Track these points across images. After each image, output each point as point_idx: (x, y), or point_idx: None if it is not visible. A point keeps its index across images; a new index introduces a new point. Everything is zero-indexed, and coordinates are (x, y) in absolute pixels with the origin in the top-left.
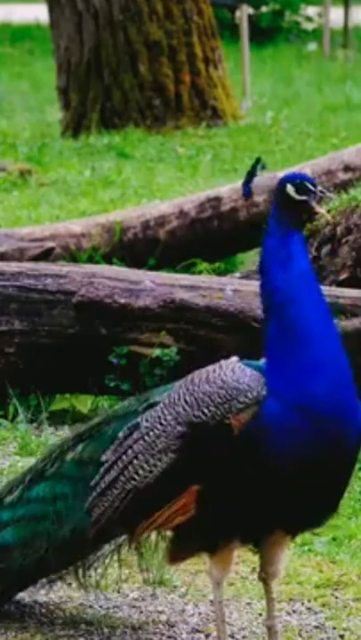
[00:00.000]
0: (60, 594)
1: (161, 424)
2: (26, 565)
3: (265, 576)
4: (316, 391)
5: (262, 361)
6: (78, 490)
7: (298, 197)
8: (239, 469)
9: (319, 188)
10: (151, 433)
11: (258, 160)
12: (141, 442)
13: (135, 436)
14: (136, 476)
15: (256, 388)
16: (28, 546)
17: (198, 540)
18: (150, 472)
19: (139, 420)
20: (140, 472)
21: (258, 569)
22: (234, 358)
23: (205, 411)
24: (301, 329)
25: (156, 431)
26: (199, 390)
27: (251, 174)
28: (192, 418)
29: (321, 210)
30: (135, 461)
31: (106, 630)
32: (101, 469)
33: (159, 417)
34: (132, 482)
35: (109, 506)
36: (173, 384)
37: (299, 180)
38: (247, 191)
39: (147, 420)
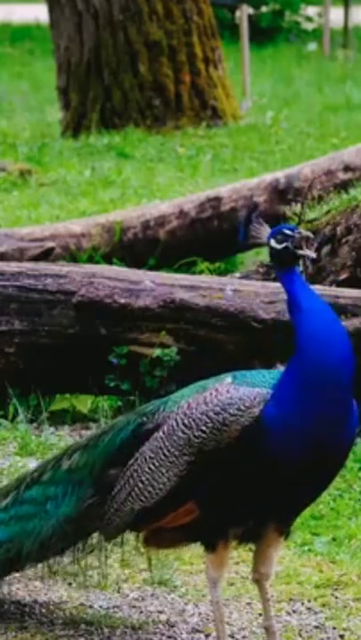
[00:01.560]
0: (59, 594)
1: (164, 454)
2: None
3: (258, 577)
4: (317, 411)
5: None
6: (68, 490)
7: (279, 247)
8: (241, 475)
9: (297, 230)
10: (156, 462)
11: (253, 208)
12: (146, 469)
13: (140, 462)
14: (143, 498)
15: (249, 400)
16: (16, 541)
17: (199, 536)
18: (156, 494)
19: (130, 429)
20: (147, 494)
21: (251, 571)
22: (228, 380)
23: (204, 428)
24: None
25: (159, 461)
26: (196, 412)
27: (247, 222)
28: (192, 439)
29: (302, 252)
30: (140, 485)
31: (106, 630)
32: (112, 493)
33: (160, 448)
34: (140, 502)
35: (119, 522)
36: (169, 397)
37: (278, 232)
38: (243, 235)
39: (150, 450)
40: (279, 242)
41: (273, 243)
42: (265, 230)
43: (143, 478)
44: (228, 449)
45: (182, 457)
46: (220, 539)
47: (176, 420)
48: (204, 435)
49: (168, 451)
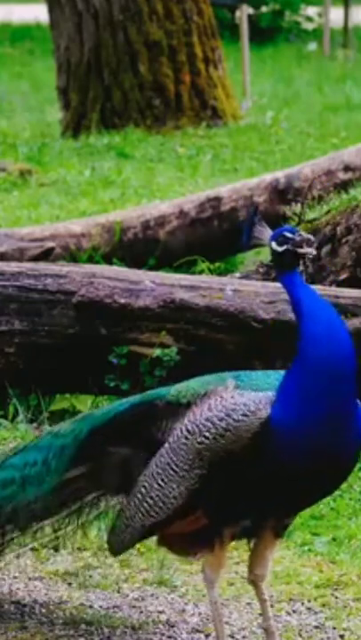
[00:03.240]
0: (59, 594)
1: (173, 470)
2: None
3: (254, 578)
4: (318, 415)
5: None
6: (48, 456)
7: (280, 249)
8: (249, 480)
9: (298, 233)
10: (165, 477)
11: (255, 210)
12: (155, 485)
13: (147, 478)
14: (154, 514)
15: (254, 405)
16: None
17: (201, 538)
18: (168, 509)
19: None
20: (157, 509)
21: (247, 572)
22: (231, 384)
23: (207, 434)
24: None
25: (169, 476)
26: (201, 418)
27: (250, 224)
28: (196, 445)
29: (303, 250)
30: (150, 501)
31: (106, 630)
32: (121, 507)
33: (168, 463)
34: (151, 518)
35: (129, 538)
36: (172, 385)
37: (279, 234)
38: (246, 240)
39: (157, 465)
40: (280, 244)
41: (274, 245)
42: (267, 232)
43: (153, 494)
44: (239, 455)
45: (193, 471)
46: (216, 538)
47: (181, 428)
48: (206, 441)
49: (177, 466)
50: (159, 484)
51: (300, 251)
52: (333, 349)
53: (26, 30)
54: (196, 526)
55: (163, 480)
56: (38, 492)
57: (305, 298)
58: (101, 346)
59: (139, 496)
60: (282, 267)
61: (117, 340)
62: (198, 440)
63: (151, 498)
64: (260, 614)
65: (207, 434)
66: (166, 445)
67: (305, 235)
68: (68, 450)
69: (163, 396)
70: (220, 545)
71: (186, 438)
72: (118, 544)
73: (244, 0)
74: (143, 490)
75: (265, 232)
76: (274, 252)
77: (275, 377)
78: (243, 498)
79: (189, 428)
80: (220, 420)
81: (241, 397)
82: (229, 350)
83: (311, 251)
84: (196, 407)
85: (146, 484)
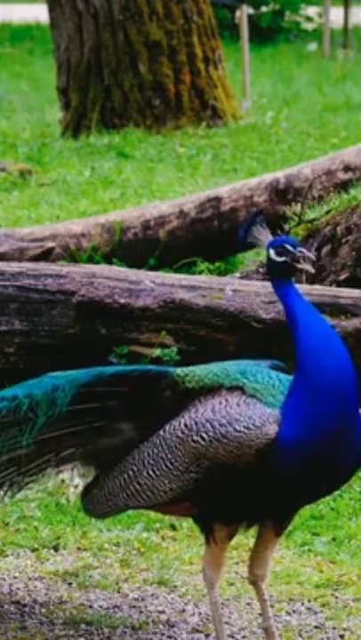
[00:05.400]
0: (59, 594)
1: (167, 466)
2: None
3: (254, 578)
4: (324, 424)
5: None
6: (33, 391)
7: (278, 259)
8: (247, 489)
9: (299, 248)
10: (157, 470)
11: (259, 212)
12: (145, 474)
13: (137, 462)
14: (140, 499)
15: (259, 420)
16: None
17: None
18: (156, 500)
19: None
20: (145, 497)
21: (247, 572)
22: (237, 390)
23: (204, 435)
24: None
25: (161, 470)
26: (202, 417)
27: (249, 224)
28: (191, 443)
29: (301, 266)
30: (138, 487)
31: (106, 630)
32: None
33: (163, 458)
34: (136, 502)
35: (111, 510)
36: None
37: (279, 244)
38: (242, 238)
39: (148, 454)
40: (279, 254)
41: (272, 254)
42: (266, 235)
43: (141, 481)
44: (240, 468)
45: (188, 473)
46: (210, 536)
47: (179, 421)
48: (202, 442)
49: (172, 464)
50: (149, 474)
51: (299, 266)
52: (332, 361)
53: (26, 30)
54: (186, 513)
55: (154, 472)
56: (15, 434)
57: (300, 310)
58: (101, 346)
59: (125, 477)
60: (277, 276)
61: (117, 339)
62: (194, 438)
63: (139, 484)
64: (260, 614)
65: (204, 434)
66: (161, 433)
67: (306, 252)
68: (63, 393)
69: (170, 373)
70: (217, 543)
71: (182, 432)
72: (98, 511)
73: (244, 0)
74: (131, 473)
75: (263, 234)
76: (271, 261)
77: (278, 386)
78: (238, 503)
79: (187, 423)
80: (221, 425)
81: (247, 409)
82: (229, 350)
83: (310, 269)
84: (198, 404)
85: (135, 469)
